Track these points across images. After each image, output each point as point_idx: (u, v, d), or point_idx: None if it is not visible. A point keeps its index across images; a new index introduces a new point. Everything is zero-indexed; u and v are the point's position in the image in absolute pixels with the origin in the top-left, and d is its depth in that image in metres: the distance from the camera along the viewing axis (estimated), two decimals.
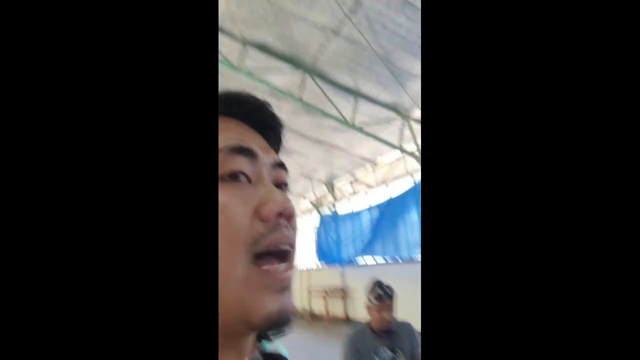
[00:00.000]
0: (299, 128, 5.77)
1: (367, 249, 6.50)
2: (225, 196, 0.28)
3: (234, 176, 0.29)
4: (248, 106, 0.34)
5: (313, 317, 7.95)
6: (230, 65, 4.30)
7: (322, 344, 5.31)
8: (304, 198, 9.26)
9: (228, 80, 4.91)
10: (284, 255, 0.30)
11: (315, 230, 8.19)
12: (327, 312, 7.32)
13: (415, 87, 4.34)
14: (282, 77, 4.62)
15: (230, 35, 4.19)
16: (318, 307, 7.92)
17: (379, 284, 1.78)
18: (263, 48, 4.32)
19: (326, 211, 8.48)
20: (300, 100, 4.60)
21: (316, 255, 8.21)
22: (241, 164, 0.30)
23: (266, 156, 0.32)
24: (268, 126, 0.35)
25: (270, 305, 0.27)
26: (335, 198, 8.31)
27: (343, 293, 7.30)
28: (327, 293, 7.41)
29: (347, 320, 6.97)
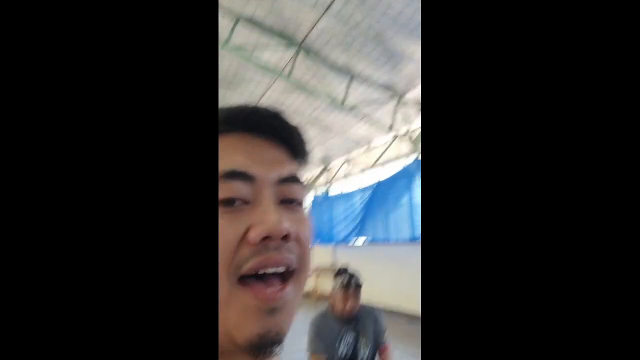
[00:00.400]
0: (291, 107, 5.70)
1: (359, 230, 6.57)
2: None
3: (227, 202, 0.28)
4: (253, 119, 0.32)
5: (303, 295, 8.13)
6: (219, 40, 4.20)
7: (308, 320, 5.44)
8: None
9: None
10: (275, 277, 0.29)
11: (309, 211, 8.24)
12: (316, 290, 7.48)
13: (408, 68, 4.25)
14: (273, 54, 4.52)
15: (219, 9, 4.07)
16: (308, 285, 8.09)
17: (345, 272, 1.77)
18: (253, 23, 4.20)
19: (320, 192, 8.51)
20: (290, 78, 4.51)
21: None
22: (235, 188, 0.29)
23: (270, 172, 0.30)
24: (281, 136, 0.33)
25: (252, 327, 0.27)
26: (329, 179, 8.31)
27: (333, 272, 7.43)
28: (319, 272, 7.54)
29: None
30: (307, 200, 0.34)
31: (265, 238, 0.28)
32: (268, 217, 0.28)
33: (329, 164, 8.21)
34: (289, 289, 0.29)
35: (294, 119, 0.34)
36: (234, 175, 0.29)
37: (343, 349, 1.69)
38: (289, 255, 0.29)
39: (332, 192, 8.04)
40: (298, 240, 0.30)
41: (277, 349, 0.29)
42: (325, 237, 7.65)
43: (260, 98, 5.56)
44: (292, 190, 0.32)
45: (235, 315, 0.27)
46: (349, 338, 1.72)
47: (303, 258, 0.31)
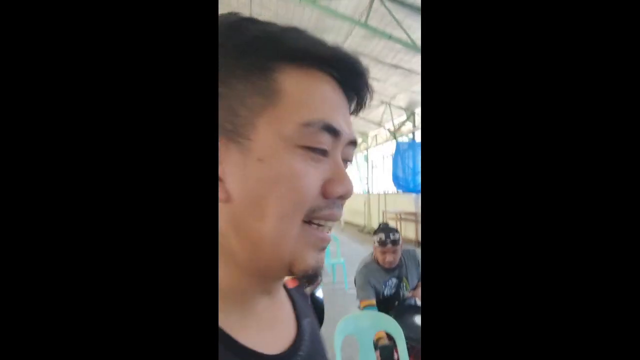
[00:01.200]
0: (371, 54, 5.59)
1: None
2: (303, 165, 0.29)
3: (315, 149, 0.30)
4: (342, 65, 0.31)
5: None
6: None
7: None
8: (382, 126, 9.15)
9: (293, 10, 4.91)
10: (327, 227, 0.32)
11: (392, 157, 8.24)
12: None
13: None
14: (349, 0, 4.44)
15: None
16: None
17: (384, 229, 1.91)
18: None
19: (404, 139, 8.36)
20: (367, 24, 4.42)
21: (392, 182, 8.40)
22: (326, 141, 0.30)
23: (347, 133, 0.32)
24: (356, 89, 0.33)
25: (310, 260, 0.31)
26: (414, 125, 8.06)
27: (415, 218, 7.52)
28: (400, 217, 7.70)
29: (418, 243, 7.28)
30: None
31: (341, 197, 0.31)
32: (346, 179, 0.31)
33: (414, 109, 7.92)
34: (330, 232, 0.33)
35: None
36: (329, 129, 0.30)
37: (387, 291, 1.93)
38: (342, 211, 0.33)
39: (418, 139, 7.84)
40: (344, 202, 0.33)
41: (320, 279, 0.44)
42: (410, 184, 7.66)
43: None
44: (351, 152, 0.34)
45: (300, 249, 0.30)
46: (392, 282, 1.94)
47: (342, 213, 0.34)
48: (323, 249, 0.32)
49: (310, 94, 0.30)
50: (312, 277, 0.32)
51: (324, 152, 0.30)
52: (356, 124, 8.20)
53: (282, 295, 0.40)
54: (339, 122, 0.30)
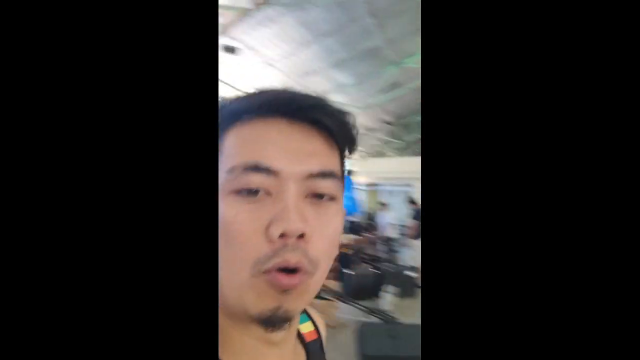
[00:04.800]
0: None
1: None
2: (235, 210, 0.29)
3: (250, 191, 0.29)
4: (293, 105, 0.31)
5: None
6: None
7: None
8: None
9: None
10: (293, 270, 0.29)
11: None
12: None
13: None
14: None
15: None
16: None
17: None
18: None
19: None
20: None
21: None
22: (257, 181, 0.29)
23: (298, 167, 0.30)
24: (323, 125, 0.31)
25: (265, 304, 0.29)
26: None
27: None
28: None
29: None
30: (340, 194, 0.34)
31: (282, 235, 0.29)
32: (286, 215, 0.29)
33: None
34: (304, 281, 0.30)
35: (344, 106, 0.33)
36: (258, 168, 0.29)
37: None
38: (303, 259, 0.30)
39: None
40: (317, 239, 0.31)
41: (286, 325, 0.32)
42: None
43: None
44: (322, 185, 0.31)
45: (252, 296, 0.29)
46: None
47: (319, 259, 0.31)
48: (286, 292, 0.29)
49: (242, 141, 0.31)
50: (277, 321, 0.30)
51: (255, 192, 0.29)
52: None
53: (294, 347, 0.39)
54: (271, 159, 0.30)
